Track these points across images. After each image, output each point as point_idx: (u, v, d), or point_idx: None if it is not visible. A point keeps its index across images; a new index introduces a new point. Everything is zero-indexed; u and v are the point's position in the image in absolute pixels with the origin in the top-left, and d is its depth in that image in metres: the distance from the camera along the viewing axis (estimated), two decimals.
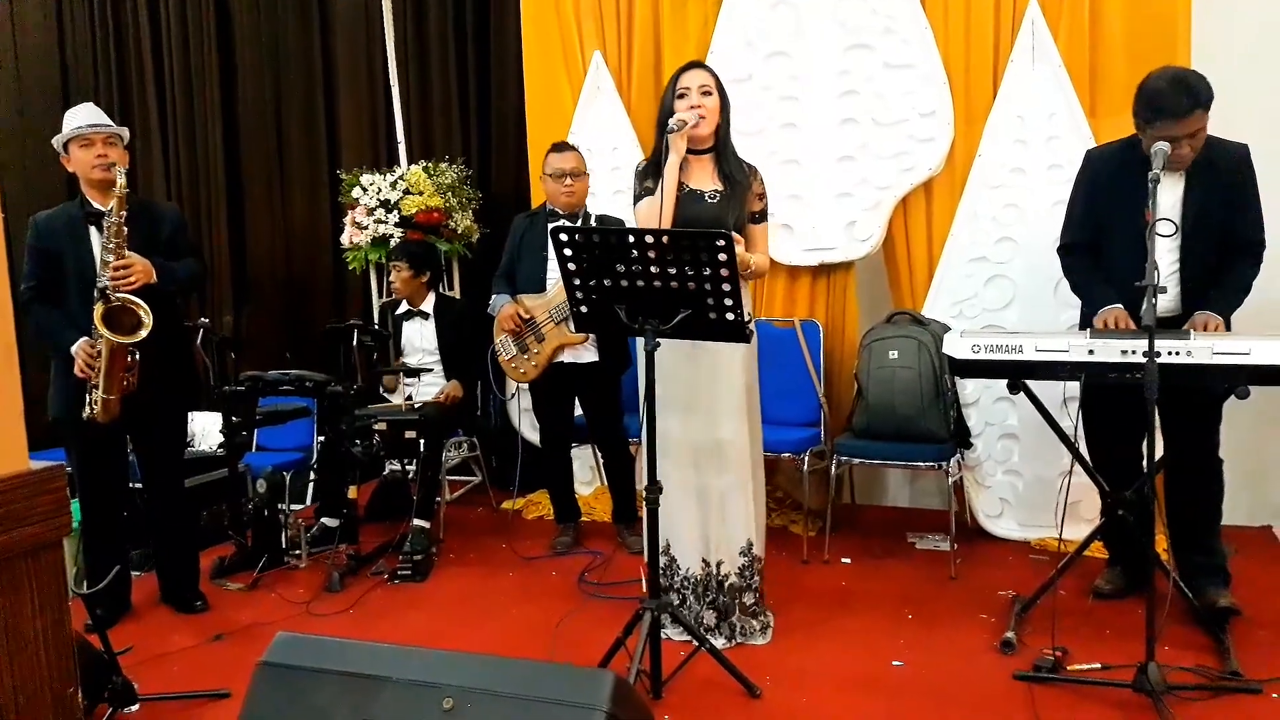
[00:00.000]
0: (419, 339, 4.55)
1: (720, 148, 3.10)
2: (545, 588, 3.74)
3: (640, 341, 2.88)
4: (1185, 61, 3.57)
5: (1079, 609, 3.28)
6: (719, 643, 3.01)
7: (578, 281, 2.69)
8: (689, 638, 2.98)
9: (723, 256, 2.49)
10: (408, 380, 4.51)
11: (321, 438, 4.29)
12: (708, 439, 3.03)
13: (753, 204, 3.12)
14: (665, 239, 2.53)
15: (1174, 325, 2.96)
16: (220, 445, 4.05)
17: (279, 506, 4.09)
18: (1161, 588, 2.77)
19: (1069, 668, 2.80)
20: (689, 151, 3.05)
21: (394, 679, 1.93)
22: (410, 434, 4.00)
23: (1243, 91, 3.26)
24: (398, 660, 2.00)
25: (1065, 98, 3.88)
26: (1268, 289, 3.09)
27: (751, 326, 2.86)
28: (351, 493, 4.05)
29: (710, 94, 3.04)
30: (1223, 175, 3.01)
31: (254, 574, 3.85)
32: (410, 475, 4.28)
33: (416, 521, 3.98)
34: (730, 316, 2.59)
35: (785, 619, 3.24)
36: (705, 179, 3.10)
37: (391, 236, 4.86)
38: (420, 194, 4.80)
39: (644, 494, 2.74)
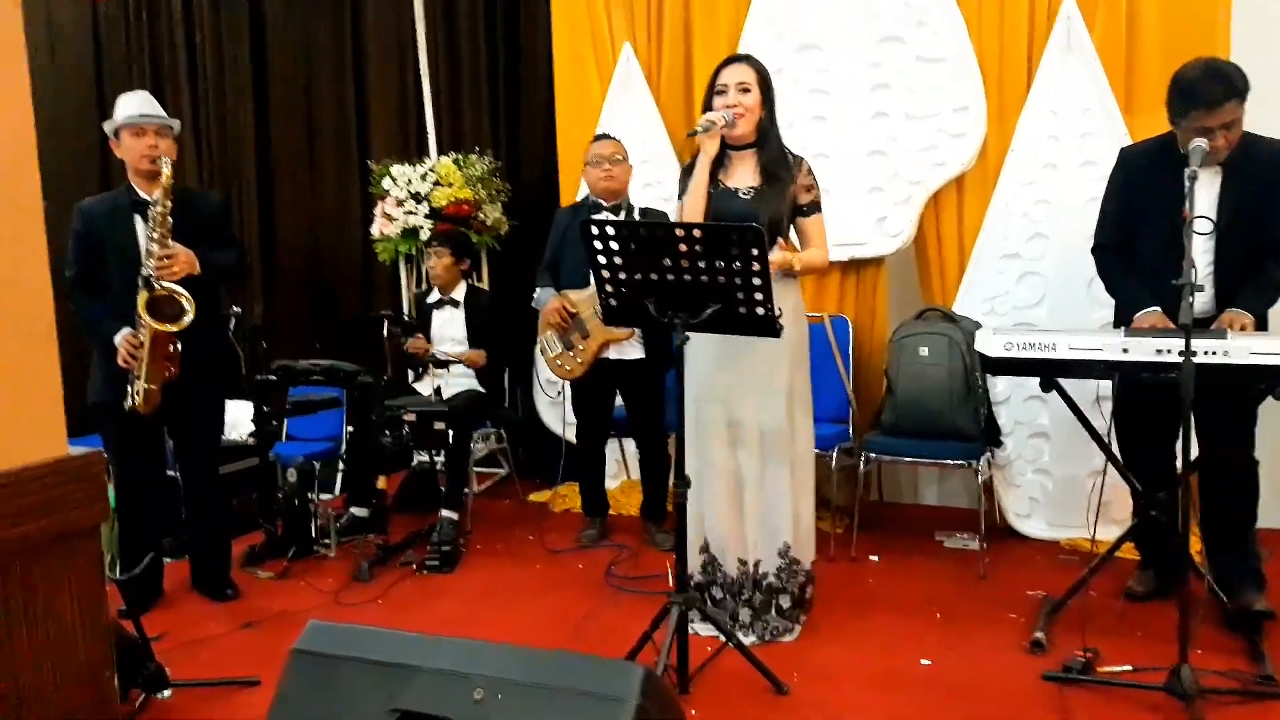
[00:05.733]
0: (449, 327, 4.57)
1: (761, 142, 3.06)
2: (572, 580, 3.75)
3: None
4: (1224, 52, 3.52)
5: (1110, 610, 3.24)
6: (749, 640, 3.00)
7: (607, 274, 2.69)
8: (716, 633, 2.98)
9: (754, 251, 2.48)
10: (437, 371, 4.52)
11: (351, 428, 4.31)
12: (749, 434, 3.01)
13: (800, 196, 3.07)
14: (696, 233, 2.53)
15: (1209, 325, 2.92)
16: (251, 434, 4.09)
17: (309, 496, 4.12)
18: (1195, 590, 2.74)
19: (1099, 669, 2.77)
20: (730, 148, 3.03)
21: (424, 668, 1.94)
22: (439, 425, 4.01)
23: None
24: (428, 649, 2.01)
25: (1100, 93, 3.83)
26: None
27: (792, 322, 2.82)
28: (380, 483, 4.08)
29: (749, 90, 3.01)
30: (1260, 173, 2.97)
31: (284, 562, 3.89)
32: (438, 466, 4.30)
33: (445, 512, 4.01)
34: (760, 311, 2.58)
35: (815, 616, 3.23)
36: (745, 175, 3.06)
37: (421, 228, 4.88)
38: (450, 185, 4.82)
39: (673, 487, 2.73)
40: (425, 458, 4.70)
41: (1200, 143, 2.73)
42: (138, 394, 3.24)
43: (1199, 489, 3.18)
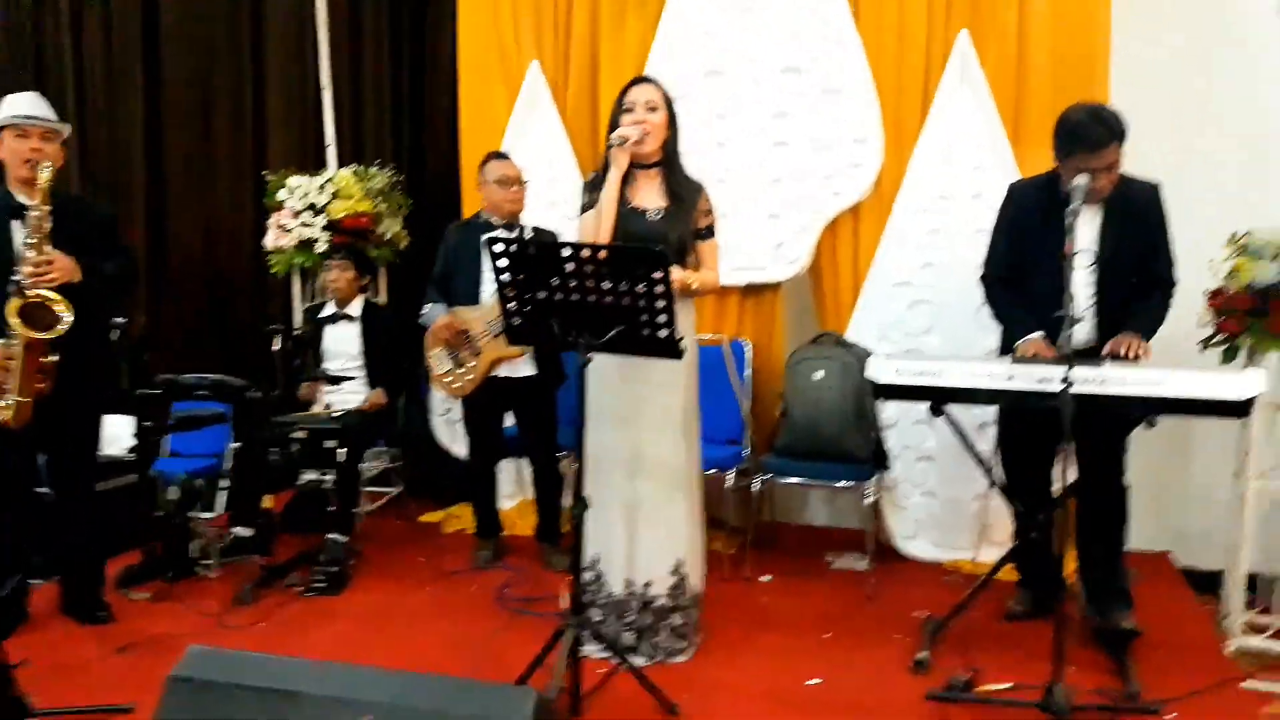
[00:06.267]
0: (343, 343, 4.48)
1: (668, 164, 3.11)
2: (464, 603, 3.69)
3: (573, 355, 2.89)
4: (1104, 95, 3.71)
5: (991, 630, 3.36)
6: (639, 661, 3.00)
7: (512, 293, 2.68)
8: (610, 655, 2.97)
9: (658, 274, 2.50)
10: (328, 388, 4.41)
11: (236, 444, 4.17)
12: (644, 454, 3.03)
13: (700, 220, 3.13)
14: (601, 254, 2.54)
15: (1091, 355, 3.06)
16: (131, 449, 3.92)
17: (190, 514, 3.96)
18: (1070, 610, 2.86)
19: (980, 688, 2.87)
20: (636, 166, 3.06)
21: (311, 695, 1.88)
22: (330, 443, 3.91)
23: (1155, 125, 3.38)
24: (315, 676, 1.96)
25: (991, 127, 3.99)
26: (1176, 323, 3.22)
27: (688, 344, 2.87)
28: (267, 502, 3.95)
29: (656, 110, 3.05)
30: (1137, 212, 3.14)
31: (162, 584, 3.73)
32: (327, 485, 4.19)
33: (333, 533, 3.90)
34: (663, 334, 2.60)
35: (705, 636, 3.25)
36: (651, 195, 3.10)
37: (317, 240, 4.78)
38: (349, 198, 4.73)
39: (572, 509, 2.72)
40: (313, 476, 4.57)
41: (1081, 180, 2.87)
42: (7, 408, 3.08)
43: (1074, 512, 3.32)
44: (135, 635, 3.30)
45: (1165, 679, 2.92)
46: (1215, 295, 3.26)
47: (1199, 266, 3.26)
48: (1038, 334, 3.19)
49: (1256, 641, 3.32)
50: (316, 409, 4.28)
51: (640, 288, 2.53)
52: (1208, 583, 3.77)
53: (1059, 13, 3.88)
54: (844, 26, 4.13)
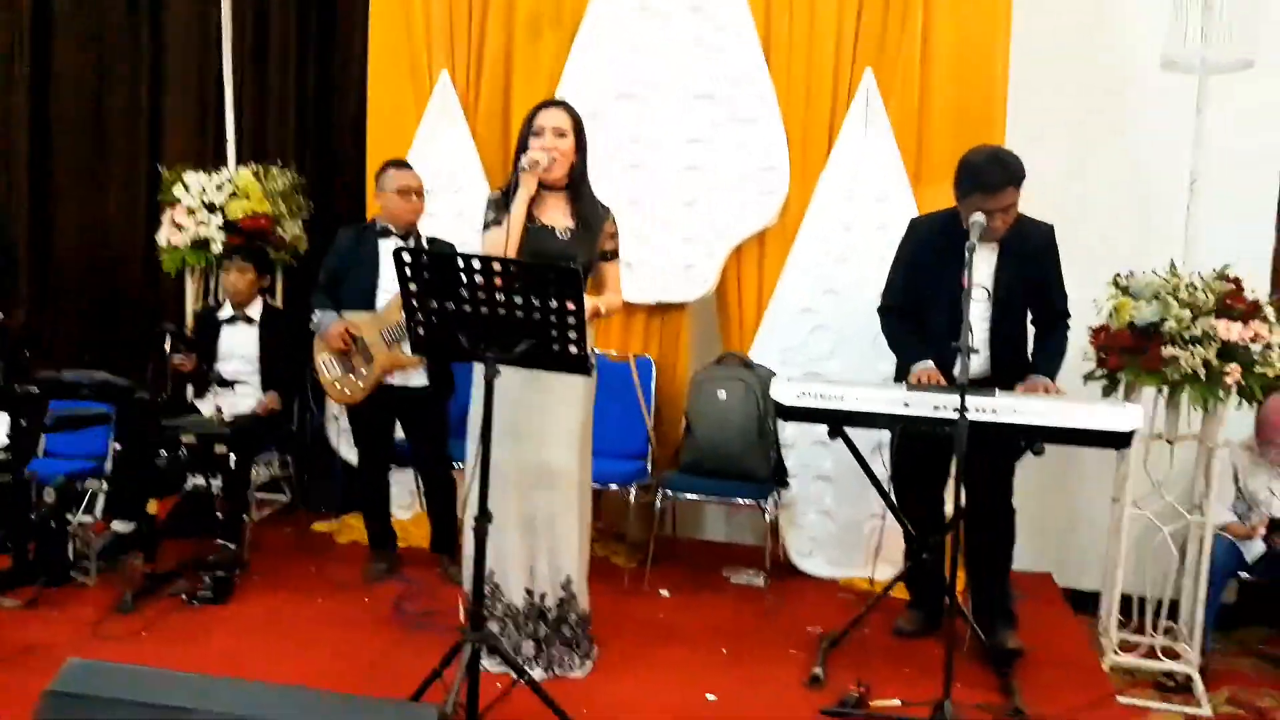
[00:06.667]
0: (239, 345, 4.34)
1: (575, 187, 3.13)
2: (358, 615, 3.61)
3: (475, 367, 2.86)
4: (1000, 139, 3.88)
5: (883, 646, 3.45)
6: (537, 674, 2.99)
7: (419, 304, 2.64)
8: (507, 669, 2.95)
9: (571, 291, 2.50)
10: (220, 390, 4.27)
11: (119, 446, 3.99)
12: (541, 468, 3.03)
13: (605, 243, 3.18)
14: (514, 269, 2.53)
15: (983, 385, 3.18)
16: (4, 449, 3.71)
17: (67, 518, 3.77)
18: (958, 630, 2.96)
19: (872, 704, 2.94)
20: (543, 187, 3.07)
21: (197, 711, 1.81)
22: (221, 448, 3.78)
23: (1045, 171, 3.54)
24: (204, 691, 1.89)
25: (893, 163, 4.11)
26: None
27: (594, 360, 2.89)
28: (151, 507, 3.79)
29: (564, 136, 3.08)
30: (1031, 251, 3.29)
31: (34, 590, 3.54)
32: (215, 491, 4.04)
33: (220, 540, 3.77)
34: (574, 349, 2.61)
35: (605, 650, 3.26)
36: (558, 215, 3.13)
37: (213, 240, 4.62)
38: (248, 198, 4.60)
39: (473, 523, 2.69)
40: (200, 481, 4.40)
41: (979, 218, 2.99)
42: None
43: (964, 534, 3.44)
44: (5, 646, 3.13)
45: (1047, 695, 3.05)
46: (1098, 333, 3.43)
47: (1084, 305, 3.43)
48: (928, 362, 3.31)
49: (1129, 659, 3.50)
50: (207, 412, 4.14)
51: (552, 303, 2.54)
52: (1086, 602, 3.95)
53: (959, 58, 4.03)
54: (754, 58, 4.20)
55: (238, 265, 4.34)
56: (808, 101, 4.21)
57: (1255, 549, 3.64)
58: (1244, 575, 3.75)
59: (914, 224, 3.52)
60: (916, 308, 3.40)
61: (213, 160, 5.10)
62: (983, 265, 3.23)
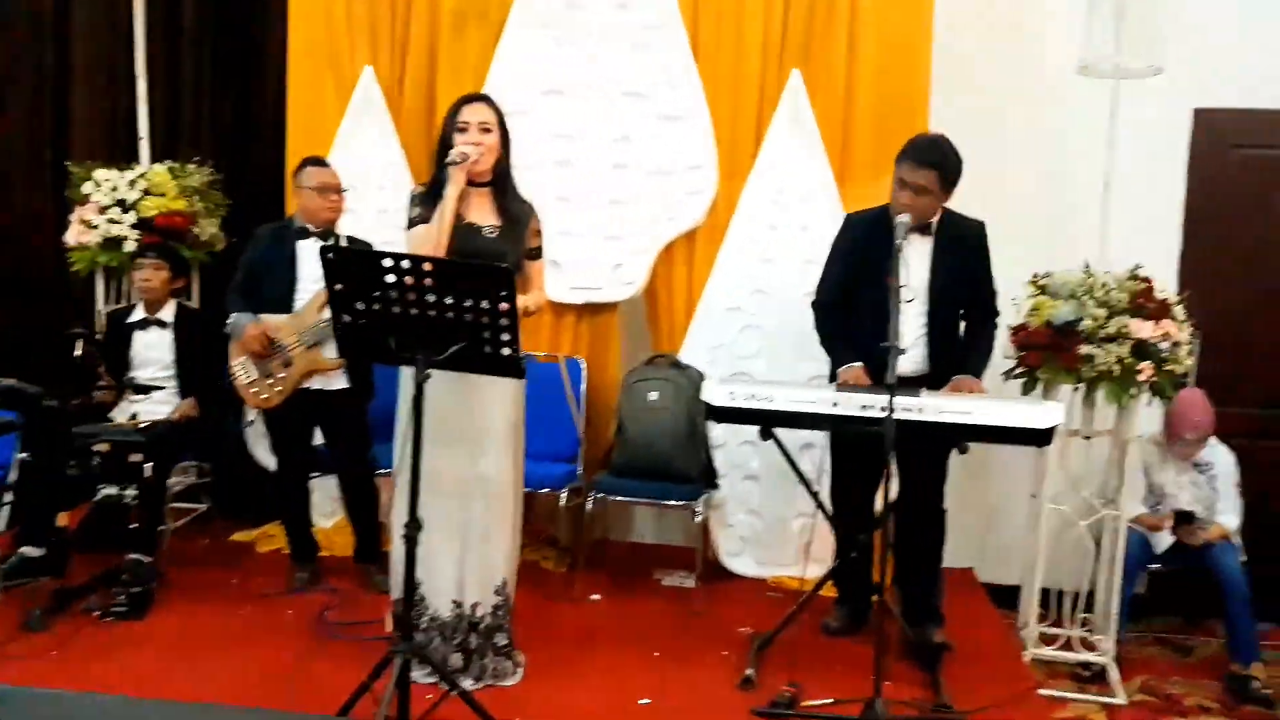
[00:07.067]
0: (154, 350, 4.19)
1: (500, 183, 3.09)
2: (281, 628, 3.51)
3: (402, 370, 2.81)
4: None
5: (813, 645, 3.49)
6: (467, 684, 2.95)
7: (345, 306, 2.58)
8: (437, 680, 2.90)
9: (503, 291, 2.47)
10: (135, 397, 4.12)
11: (25, 455, 3.82)
12: (474, 475, 2.99)
13: (530, 240, 3.14)
14: (447, 270, 2.49)
15: (920, 382, 3.24)
16: None
17: None
18: (888, 627, 3.00)
19: (804, 703, 2.97)
20: (468, 184, 3.02)
21: None
22: (136, 456, 3.65)
23: (967, 173, 3.60)
24: (121, 713, 1.82)
25: (818, 163, 4.15)
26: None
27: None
28: (61, 519, 3.64)
29: (490, 131, 3.04)
30: (965, 246, 3.38)
31: None
32: (129, 501, 3.90)
33: (134, 554, 3.62)
34: (506, 351, 2.57)
35: (537, 656, 3.23)
36: (484, 213, 3.08)
37: (125, 239, 4.46)
38: (163, 195, 4.44)
39: (403, 530, 2.64)
40: (113, 490, 4.24)
41: (904, 217, 3.04)
42: None
43: (895, 532, 3.49)
44: None
45: (972, 689, 3.12)
46: (1017, 331, 3.51)
47: (1003, 304, 3.52)
48: (857, 363, 3.36)
49: (1048, 651, 3.60)
50: (121, 419, 3.99)
51: (484, 304, 2.50)
52: (1007, 597, 4.05)
53: (883, 60, 4.08)
54: (683, 57, 4.20)
55: (152, 264, 4.19)
56: (735, 101, 4.22)
57: (1164, 541, 3.76)
58: (1153, 566, 3.87)
59: (849, 219, 3.56)
60: (849, 304, 3.44)
61: (124, 156, 4.91)
62: (918, 261, 3.30)
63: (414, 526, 2.63)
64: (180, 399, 4.18)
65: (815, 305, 3.59)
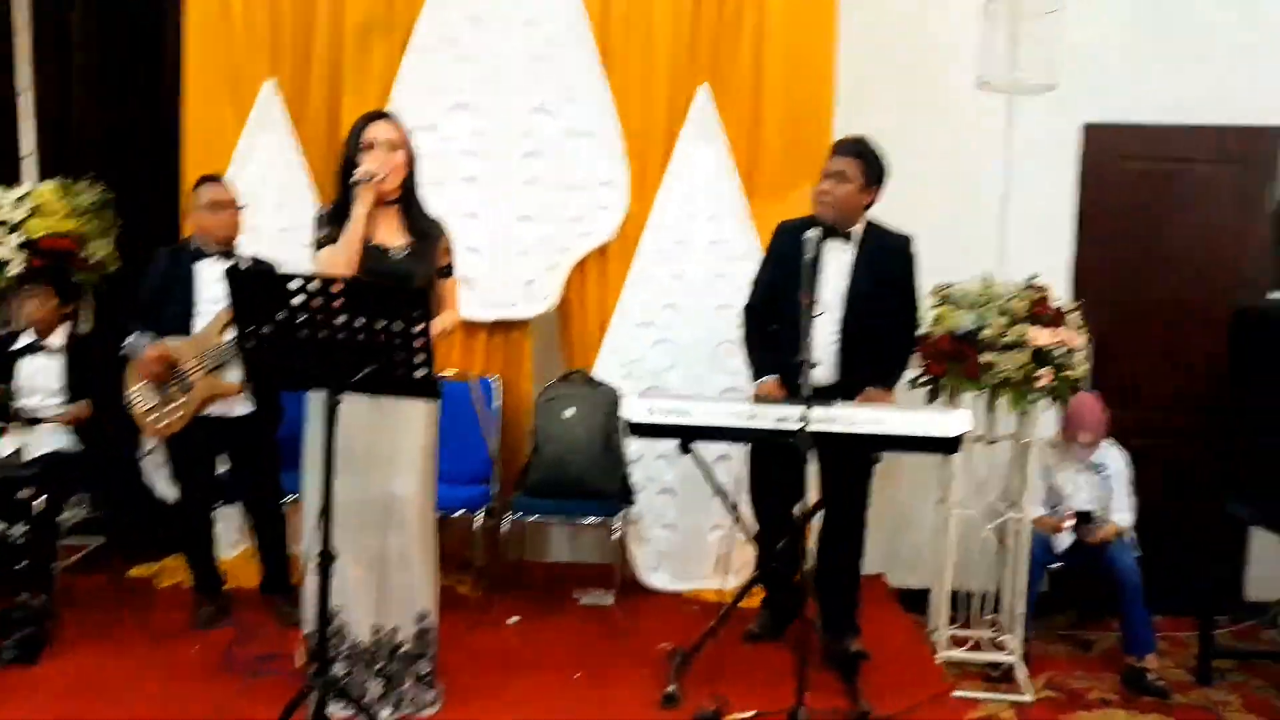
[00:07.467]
0: (42, 378, 4.01)
1: (407, 200, 3.05)
2: (186, 667, 3.38)
3: (311, 393, 2.73)
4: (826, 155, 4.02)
5: (733, 657, 3.50)
6: (385, 713, 2.89)
7: (251, 329, 2.49)
8: (353, 713, 2.82)
9: (416, 312, 2.42)
10: (21, 427, 3.91)
11: None
12: (388, 501, 2.92)
13: (440, 258, 3.09)
14: (357, 290, 2.43)
15: (833, 392, 3.29)
16: None
17: None
18: (809, 638, 3.03)
19: (728, 716, 2.97)
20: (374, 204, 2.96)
21: None
22: (25, 492, 3.47)
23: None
24: None
25: (728, 177, 4.19)
26: None
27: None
28: None
29: (396, 149, 2.99)
30: (887, 257, 3.45)
31: None
32: (17, 539, 3.69)
33: (24, 594, 3.48)
34: (420, 373, 2.52)
35: (455, 683, 3.17)
36: (392, 233, 3.03)
37: (10, 262, 4.24)
38: (50, 216, 4.24)
39: (316, 561, 2.56)
40: (0, 526, 4.03)
41: (813, 233, 3.08)
42: None
43: (817, 541, 3.53)
44: None
45: (889, 694, 3.18)
46: (922, 341, 3.60)
47: None
48: (771, 376, 3.42)
49: (959, 654, 3.69)
50: (5, 452, 3.78)
51: (396, 326, 2.44)
52: (917, 601, 4.14)
53: (788, 78, 4.14)
54: (592, 71, 4.20)
55: (36, 294, 3.99)
56: (645, 116, 4.23)
57: (1064, 540, 3.89)
58: (1055, 565, 4.00)
59: (780, 226, 3.59)
60: (777, 307, 3.48)
61: (6, 175, 4.68)
62: (837, 272, 3.38)
63: (327, 556, 2.55)
64: (71, 431, 3.98)
65: (745, 308, 3.64)
